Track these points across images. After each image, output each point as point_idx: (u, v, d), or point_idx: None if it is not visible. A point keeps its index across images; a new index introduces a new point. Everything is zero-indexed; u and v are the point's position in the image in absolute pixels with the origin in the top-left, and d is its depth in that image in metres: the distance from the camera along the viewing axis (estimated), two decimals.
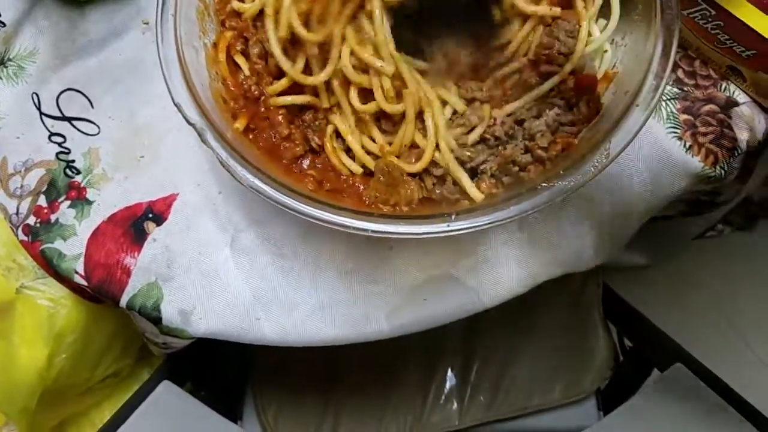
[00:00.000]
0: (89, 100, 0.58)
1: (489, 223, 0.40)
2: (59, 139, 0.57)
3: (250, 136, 0.47)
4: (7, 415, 0.70)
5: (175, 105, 0.43)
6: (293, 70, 0.47)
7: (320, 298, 0.53)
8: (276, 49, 0.46)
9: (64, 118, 0.58)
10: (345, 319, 0.53)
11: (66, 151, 0.57)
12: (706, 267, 1.27)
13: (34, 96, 0.58)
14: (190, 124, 0.42)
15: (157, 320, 0.52)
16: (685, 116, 0.54)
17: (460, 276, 0.52)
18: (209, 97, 0.46)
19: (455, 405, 0.81)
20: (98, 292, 0.54)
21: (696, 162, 0.53)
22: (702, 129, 0.54)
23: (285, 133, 0.48)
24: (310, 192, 0.43)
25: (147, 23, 0.61)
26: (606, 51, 0.48)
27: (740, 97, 0.54)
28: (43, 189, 0.56)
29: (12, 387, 0.65)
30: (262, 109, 0.49)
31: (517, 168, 0.45)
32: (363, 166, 0.48)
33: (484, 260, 0.53)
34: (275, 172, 0.43)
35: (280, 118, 0.47)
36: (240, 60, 0.50)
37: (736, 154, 0.54)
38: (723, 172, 0.53)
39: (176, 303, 0.52)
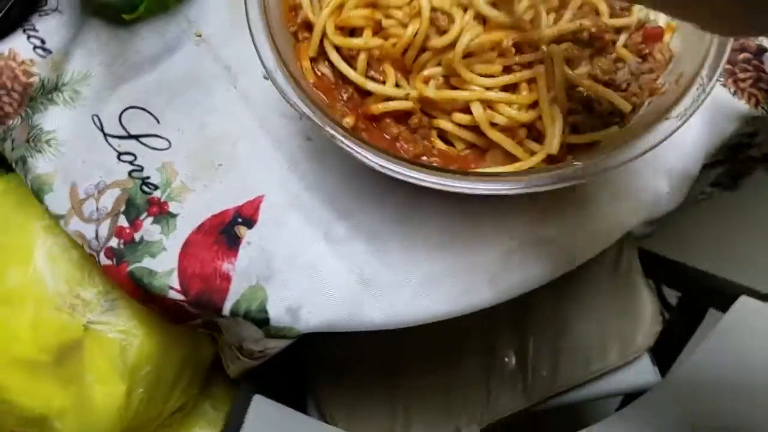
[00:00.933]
0: (154, 116, 0.57)
1: (615, 166, 0.42)
2: (129, 158, 0.56)
3: (364, 136, 0.47)
4: None
5: (289, 103, 0.44)
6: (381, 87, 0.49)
7: (420, 276, 0.53)
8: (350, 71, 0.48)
9: (130, 137, 0.56)
10: (449, 292, 0.53)
11: (139, 168, 0.55)
12: (704, 227, 1.34)
13: (95, 118, 0.57)
14: (304, 116, 0.43)
15: (264, 322, 0.51)
16: (727, 66, 0.58)
17: (551, 235, 0.54)
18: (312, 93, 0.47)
19: (520, 384, 0.82)
20: (196, 305, 0.52)
21: (742, 104, 0.57)
22: (741, 75, 0.58)
23: (395, 133, 0.49)
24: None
25: (200, 35, 0.60)
26: None
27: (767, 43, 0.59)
28: (122, 209, 0.54)
29: (92, 430, 0.62)
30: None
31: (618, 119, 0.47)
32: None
33: (570, 216, 0.54)
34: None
35: (387, 120, 0.49)
36: (324, 70, 0.51)
37: None
38: (764, 111, 0.57)
39: (282, 301, 0.51)
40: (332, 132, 0.43)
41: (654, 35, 0.52)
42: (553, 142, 0.47)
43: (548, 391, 0.80)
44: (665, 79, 0.50)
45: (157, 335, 0.62)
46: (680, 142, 0.57)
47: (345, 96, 0.49)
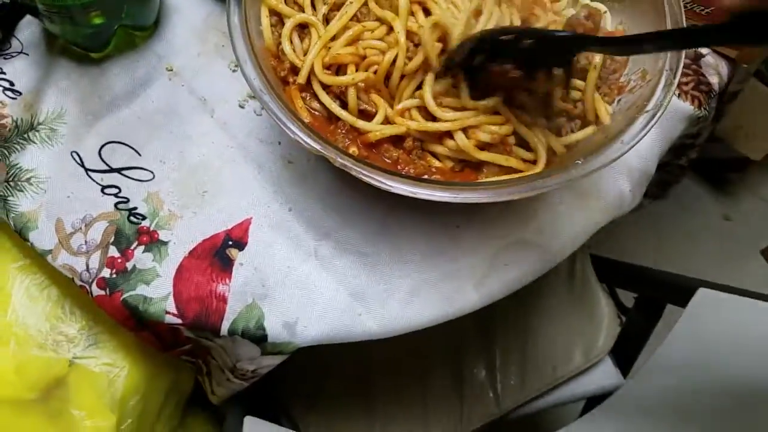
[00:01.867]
0: (134, 149, 0.59)
1: (611, 161, 0.46)
2: (114, 190, 0.57)
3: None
4: None
5: (298, 138, 0.47)
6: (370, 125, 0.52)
7: (411, 284, 0.56)
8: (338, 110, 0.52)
9: (112, 170, 0.58)
10: (437, 297, 0.56)
11: (124, 200, 0.56)
12: (640, 236, 1.43)
13: (74, 154, 0.58)
14: (314, 152, 0.46)
15: (262, 339, 0.53)
16: None
17: (531, 238, 0.58)
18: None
19: (490, 394, 0.85)
20: (194, 327, 0.53)
21: (687, 106, 0.64)
22: (683, 79, 0.65)
23: (395, 157, 0.52)
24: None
25: (171, 69, 0.62)
26: (605, 12, 0.58)
27: (703, 49, 0.66)
28: (111, 240, 0.55)
29: None
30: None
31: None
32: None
33: (546, 221, 0.59)
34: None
35: (385, 145, 0.52)
36: (325, 102, 0.53)
37: (712, 95, 0.65)
38: (706, 112, 0.64)
39: (279, 317, 0.53)
40: (344, 162, 0.46)
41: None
42: (541, 157, 0.52)
43: (519, 399, 0.85)
44: (628, 77, 0.55)
45: (143, 365, 0.63)
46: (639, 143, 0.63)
47: (344, 129, 0.52)
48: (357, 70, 0.52)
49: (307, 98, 0.52)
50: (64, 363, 0.61)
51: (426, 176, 0.52)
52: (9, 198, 0.56)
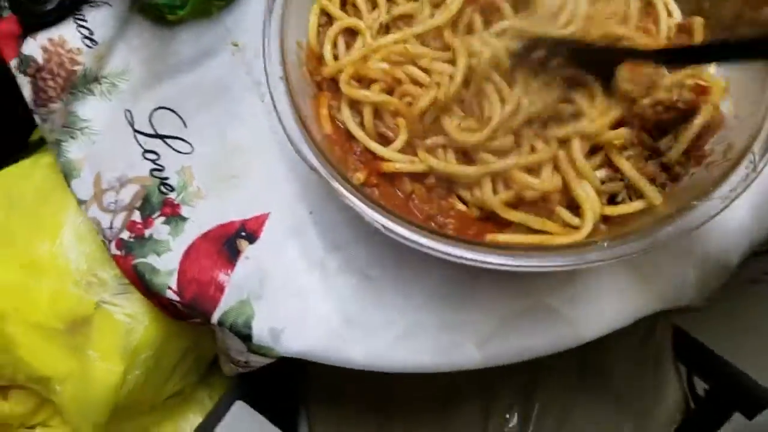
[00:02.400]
0: (182, 119, 0.59)
1: (640, 250, 0.39)
2: (153, 156, 0.58)
3: (376, 192, 0.47)
4: (79, 429, 0.70)
5: (298, 153, 0.44)
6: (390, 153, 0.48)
7: (409, 323, 0.52)
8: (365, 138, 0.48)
9: (157, 136, 0.58)
10: (433, 345, 0.52)
11: (160, 168, 0.57)
12: (760, 310, 1.24)
13: (127, 113, 0.59)
14: (313, 170, 0.43)
15: (247, 338, 0.52)
16: None
17: (556, 306, 0.51)
18: (324, 143, 0.46)
19: None
20: (190, 308, 0.54)
21: None
22: None
23: (408, 191, 0.48)
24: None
25: (237, 45, 0.61)
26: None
27: None
28: (138, 204, 0.56)
29: (86, 401, 0.65)
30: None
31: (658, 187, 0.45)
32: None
33: (582, 292, 0.52)
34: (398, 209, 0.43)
35: (402, 177, 0.48)
36: (344, 118, 0.50)
37: None
38: None
39: (267, 321, 0.52)
40: (338, 187, 0.43)
41: (701, 90, 0.48)
42: (588, 224, 0.45)
43: None
44: (712, 147, 0.46)
45: (161, 324, 0.65)
46: (721, 227, 0.53)
47: (358, 150, 0.48)
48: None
49: (335, 107, 0.49)
50: (91, 304, 0.64)
51: (440, 217, 0.47)
52: (63, 143, 0.58)
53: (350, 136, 0.49)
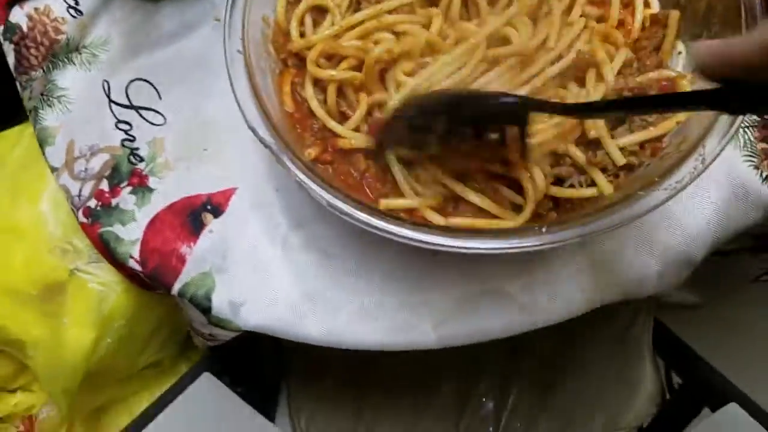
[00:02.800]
0: (157, 91, 0.59)
1: (578, 236, 0.38)
2: (125, 127, 0.58)
3: (330, 170, 0.47)
4: (51, 394, 0.72)
5: (250, 128, 0.44)
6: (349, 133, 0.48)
7: (366, 302, 0.52)
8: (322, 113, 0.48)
9: (131, 107, 0.59)
10: (390, 325, 0.52)
11: (131, 138, 0.58)
12: (761, 311, 1.22)
13: (105, 83, 0.60)
14: (265, 146, 0.43)
15: (207, 310, 0.53)
16: (764, 145, 0.52)
17: (513, 292, 0.51)
18: (281, 119, 0.46)
19: (490, 429, 0.79)
20: (152, 279, 0.54)
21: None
22: None
23: (362, 169, 0.48)
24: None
25: (218, 20, 0.61)
26: (680, 53, 0.48)
27: None
28: (107, 173, 0.57)
29: (57, 366, 0.66)
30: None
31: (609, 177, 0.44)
32: None
33: (540, 279, 0.51)
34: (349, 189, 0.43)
35: (357, 154, 0.48)
36: (307, 96, 0.50)
37: None
38: None
39: (227, 294, 0.53)
40: (287, 162, 0.43)
41: (666, 88, 0.48)
42: (526, 211, 0.45)
43: None
44: (670, 140, 0.46)
45: (134, 294, 0.65)
46: (685, 220, 0.52)
47: (316, 127, 0.48)
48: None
49: (299, 84, 0.49)
50: (66, 271, 0.65)
51: (392, 196, 0.47)
52: (39, 110, 0.59)
53: (311, 114, 0.49)
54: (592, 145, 0.46)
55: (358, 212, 0.40)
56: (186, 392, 0.59)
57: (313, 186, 0.41)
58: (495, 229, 0.43)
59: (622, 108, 0.41)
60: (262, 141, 0.43)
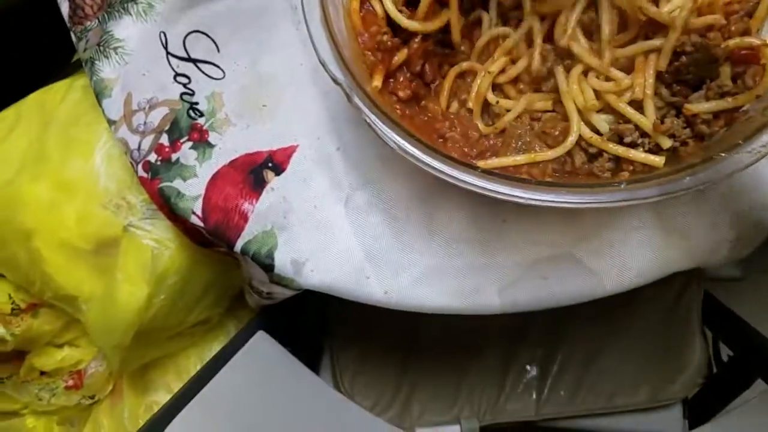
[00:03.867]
0: (215, 44, 0.58)
1: (657, 196, 0.37)
2: (184, 80, 0.57)
3: (390, 88, 0.45)
4: (102, 349, 0.72)
5: (321, 63, 0.42)
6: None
7: (430, 264, 0.52)
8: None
9: (189, 60, 0.58)
10: (455, 288, 0.51)
11: (190, 92, 0.56)
12: None
13: (162, 35, 0.58)
14: (336, 83, 0.41)
15: (269, 268, 0.52)
16: None
17: (582, 257, 0.50)
18: (350, 56, 0.45)
19: (533, 396, 0.79)
20: (214, 235, 0.54)
21: None
22: None
23: (417, 69, 0.46)
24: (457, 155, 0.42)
25: None
26: None
27: None
28: (166, 128, 0.56)
29: (110, 322, 0.66)
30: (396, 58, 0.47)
31: (677, 143, 0.42)
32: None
33: (609, 244, 0.50)
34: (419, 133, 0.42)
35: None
36: (377, 6, 0.48)
37: None
38: None
39: (290, 253, 0.52)
40: (359, 103, 0.41)
41: (749, 57, 0.45)
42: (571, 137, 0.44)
43: (561, 411, 0.77)
44: (751, 108, 0.44)
45: (188, 251, 0.65)
46: (759, 185, 0.51)
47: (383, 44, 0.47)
48: None
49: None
50: (119, 227, 0.65)
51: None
52: (96, 62, 0.58)
53: (377, 26, 0.48)
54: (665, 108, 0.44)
55: (431, 158, 0.39)
56: (242, 350, 0.59)
57: (383, 127, 0.40)
58: (572, 183, 0.41)
59: None
60: (333, 77, 0.42)
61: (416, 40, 0.47)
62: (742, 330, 0.72)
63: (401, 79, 0.46)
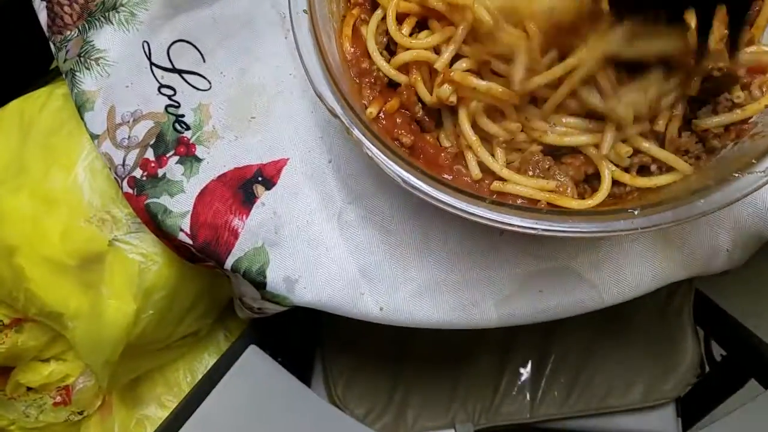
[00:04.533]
0: (201, 54, 0.56)
1: (671, 222, 0.36)
2: (169, 92, 0.55)
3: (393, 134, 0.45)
4: (90, 367, 0.70)
5: (317, 95, 0.41)
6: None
7: (426, 279, 0.51)
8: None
9: (174, 70, 0.56)
10: (451, 303, 0.51)
11: (176, 104, 0.55)
12: None
13: (145, 45, 0.56)
14: (334, 116, 0.40)
15: (261, 285, 0.51)
16: None
17: (580, 270, 0.50)
18: (346, 88, 0.43)
19: (527, 397, 0.79)
20: (203, 252, 0.52)
21: None
22: None
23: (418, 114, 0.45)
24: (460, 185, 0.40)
25: None
26: None
27: None
28: (152, 142, 0.54)
29: (98, 339, 0.65)
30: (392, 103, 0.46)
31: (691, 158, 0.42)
32: None
33: (607, 256, 0.50)
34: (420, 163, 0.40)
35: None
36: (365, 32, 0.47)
37: None
38: None
39: (282, 270, 0.51)
40: (359, 136, 0.40)
41: (755, 67, 0.45)
42: (604, 189, 0.43)
43: (555, 413, 0.77)
44: (761, 119, 0.43)
45: (175, 265, 0.63)
46: (758, 195, 0.50)
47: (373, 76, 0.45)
48: None
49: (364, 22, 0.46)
50: (104, 241, 0.63)
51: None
52: (77, 73, 0.56)
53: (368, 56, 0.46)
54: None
55: (439, 192, 0.38)
56: (235, 367, 0.58)
57: (386, 161, 0.39)
58: (585, 210, 0.40)
59: None
60: (330, 110, 0.41)
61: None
62: (734, 329, 0.73)
63: (401, 122, 0.45)
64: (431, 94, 0.44)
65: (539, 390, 0.79)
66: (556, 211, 0.39)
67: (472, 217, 0.37)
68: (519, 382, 0.79)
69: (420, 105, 0.47)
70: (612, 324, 0.80)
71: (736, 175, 0.38)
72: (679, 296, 0.80)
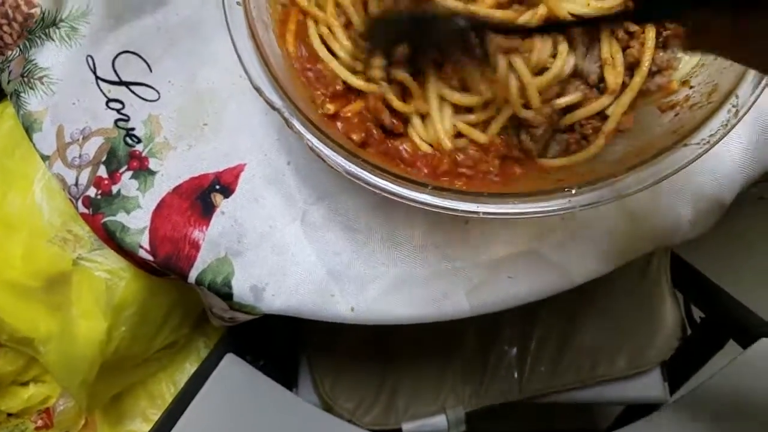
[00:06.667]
0: (147, 64, 0.55)
1: (613, 198, 0.36)
2: (117, 106, 0.54)
3: (339, 125, 0.43)
4: (67, 389, 0.69)
5: (255, 88, 0.40)
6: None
7: (396, 275, 0.50)
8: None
9: (121, 83, 0.54)
10: (423, 296, 0.50)
11: (125, 118, 0.53)
12: (759, 230, 1.23)
13: (89, 59, 0.55)
14: (274, 108, 0.39)
15: (227, 296, 0.50)
16: None
17: (546, 252, 0.49)
18: (287, 77, 0.42)
19: (515, 374, 0.79)
20: (165, 267, 0.51)
21: None
22: None
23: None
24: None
25: None
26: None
27: None
28: (103, 158, 0.53)
29: (72, 360, 0.64)
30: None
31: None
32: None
33: (572, 236, 0.49)
34: (363, 153, 0.40)
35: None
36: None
37: None
38: None
39: (248, 279, 0.50)
40: (300, 128, 0.39)
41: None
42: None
43: (544, 387, 0.78)
44: (696, 91, 0.43)
45: (143, 279, 0.62)
46: (716, 165, 0.50)
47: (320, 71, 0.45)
48: None
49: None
50: (68, 261, 0.62)
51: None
52: (21, 94, 0.55)
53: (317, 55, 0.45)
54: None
55: (379, 179, 0.37)
56: (213, 376, 0.57)
57: (327, 151, 0.38)
58: (524, 193, 0.40)
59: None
60: (268, 103, 0.39)
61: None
62: (711, 292, 0.73)
63: (357, 122, 0.44)
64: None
65: (526, 366, 0.79)
66: (497, 194, 0.38)
67: (415, 204, 0.37)
68: (506, 361, 0.80)
69: (387, 111, 0.46)
70: (592, 294, 0.80)
71: (673, 147, 0.38)
72: (656, 262, 0.80)
